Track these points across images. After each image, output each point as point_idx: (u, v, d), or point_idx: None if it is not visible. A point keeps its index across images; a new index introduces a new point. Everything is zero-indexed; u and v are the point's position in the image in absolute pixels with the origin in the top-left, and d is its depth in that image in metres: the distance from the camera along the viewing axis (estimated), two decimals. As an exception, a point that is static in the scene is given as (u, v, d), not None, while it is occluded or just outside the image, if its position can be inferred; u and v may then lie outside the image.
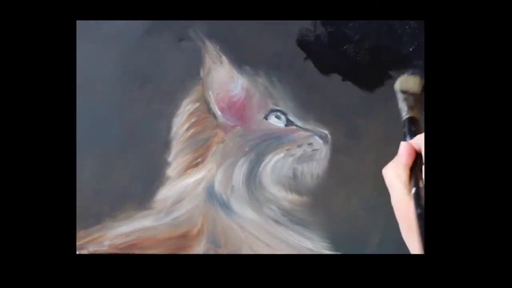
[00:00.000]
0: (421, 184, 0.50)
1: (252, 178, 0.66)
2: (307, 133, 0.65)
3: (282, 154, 0.65)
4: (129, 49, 0.66)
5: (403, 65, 0.63)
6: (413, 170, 0.52)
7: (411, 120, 0.59)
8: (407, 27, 0.62)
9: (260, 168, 0.65)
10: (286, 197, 0.66)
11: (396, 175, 0.53)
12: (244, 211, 0.66)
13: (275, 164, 0.65)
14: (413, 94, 0.60)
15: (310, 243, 0.65)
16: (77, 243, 0.66)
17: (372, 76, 0.63)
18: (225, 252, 0.65)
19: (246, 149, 0.66)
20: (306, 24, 0.64)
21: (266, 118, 0.65)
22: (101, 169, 0.67)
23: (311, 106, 0.64)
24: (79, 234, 0.66)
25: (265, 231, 0.65)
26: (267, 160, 0.65)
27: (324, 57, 0.64)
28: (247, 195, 0.66)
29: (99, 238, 0.66)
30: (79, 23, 0.62)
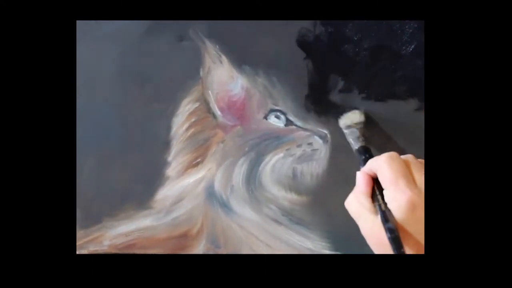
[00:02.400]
0: (384, 207, 0.51)
1: (252, 178, 0.66)
2: (307, 133, 0.65)
3: (281, 154, 0.65)
4: (129, 49, 0.66)
5: (403, 65, 0.63)
6: (374, 196, 0.53)
7: (362, 149, 0.60)
8: (407, 27, 0.62)
9: (260, 168, 0.66)
10: (286, 197, 0.66)
11: (360, 205, 0.54)
12: (244, 210, 0.66)
13: (274, 163, 0.65)
14: (356, 125, 0.62)
15: (310, 243, 0.65)
16: (77, 243, 0.66)
17: (372, 76, 0.63)
18: (225, 252, 0.65)
19: (246, 149, 0.66)
20: (306, 24, 0.64)
21: (265, 118, 0.65)
22: (101, 169, 0.67)
23: (310, 106, 0.64)
24: (79, 234, 0.66)
25: (265, 231, 0.65)
26: (266, 159, 0.65)
27: (324, 57, 0.64)
28: (247, 195, 0.66)
29: (99, 238, 0.66)
30: (79, 23, 0.62)
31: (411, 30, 0.62)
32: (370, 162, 0.55)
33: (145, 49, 0.66)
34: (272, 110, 0.65)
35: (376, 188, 0.54)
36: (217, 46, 0.65)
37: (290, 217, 0.66)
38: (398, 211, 0.49)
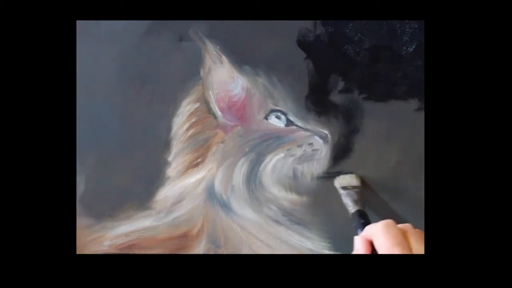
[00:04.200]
0: None
1: (252, 178, 0.66)
2: (307, 133, 0.65)
3: (282, 154, 0.65)
4: (129, 49, 0.66)
5: (403, 65, 0.63)
6: None
7: (359, 213, 0.61)
8: (407, 27, 0.62)
9: (260, 168, 0.66)
10: (286, 197, 0.66)
11: None
12: (244, 211, 0.66)
13: (275, 164, 0.65)
14: (353, 188, 0.63)
15: (310, 243, 0.65)
16: (77, 243, 0.66)
17: (372, 76, 0.63)
18: (225, 252, 0.65)
19: (246, 149, 0.66)
20: (306, 24, 0.64)
21: (266, 118, 0.65)
22: (101, 169, 0.67)
23: (311, 106, 0.64)
24: (79, 234, 0.66)
25: (265, 231, 0.66)
26: (267, 160, 0.65)
27: (324, 57, 0.64)
28: (247, 195, 0.66)
29: (99, 238, 0.66)
30: (79, 23, 0.62)
31: (411, 30, 0.62)
32: (367, 228, 0.55)
33: (145, 49, 0.66)
34: (272, 110, 0.65)
35: (374, 252, 0.53)
36: (218, 46, 0.65)
37: (291, 217, 0.66)
38: None
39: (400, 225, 0.54)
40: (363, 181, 0.64)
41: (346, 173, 0.65)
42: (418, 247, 0.51)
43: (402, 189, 0.65)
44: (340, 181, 0.64)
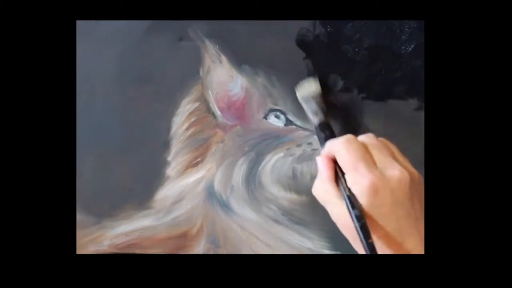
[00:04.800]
0: (348, 192, 0.50)
1: (251, 178, 0.66)
2: (307, 133, 0.65)
3: (281, 154, 0.65)
4: (129, 49, 0.66)
5: (403, 65, 0.63)
6: (338, 180, 0.53)
7: (322, 126, 0.59)
8: (406, 27, 0.62)
9: (260, 168, 0.65)
10: (286, 197, 0.66)
11: (325, 191, 0.53)
12: (244, 210, 0.66)
13: (274, 163, 0.65)
14: (314, 98, 0.62)
15: (310, 243, 0.65)
16: (77, 243, 0.66)
17: (372, 76, 0.63)
18: (224, 252, 0.65)
19: (246, 149, 0.66)
20: (306, 24, 0.64)
21: (265, 117, 0.65)
22: (101, 169, 0.67)
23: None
24: (79, 234, 0.66)
25: (264, 231, 0.65)
26: (266, 159, 0.65)
27: (324, 57, 0.64)
28: (246, 195, 0.66)
29: (99, 238, 0.66)
30: (79, 23, 0.62)
31: (410, 30, 0.62)
32: (328, 145, 0.55)
33: (145, 49, 0.66)
34: (271, 110, 0.65)
35: (338, 171, 0.53)
36: (217, 46, 0.65)
37: (290, 217, 0.66)
38: (361, 196, 0.49)
39: (361, 137, 0.54)
40: (323, 85, 0.63)
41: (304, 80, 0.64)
42: (381, 159, 0.51)
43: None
44: (301, 92, 0.63)
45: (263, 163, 0.65)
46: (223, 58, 0.65)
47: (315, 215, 0.65)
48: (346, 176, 0.51)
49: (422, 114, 0.62)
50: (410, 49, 0.63)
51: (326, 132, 0.59)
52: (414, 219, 0.49)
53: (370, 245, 0.48)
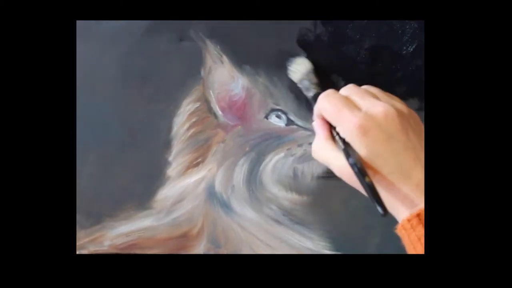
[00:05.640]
0: (342, 143, 0.51)
1: (252, 178, 0.66)
2: (308, 133, 0.65)
3: (282, 154, 0.65)
4: (129, 49, 0.66)
5: (403, 65, 0.63)
6: (333, 137, 0.54)
7: (315, 98, 0.59)
8: (407, 27, 0.62)
9: (261, 168, 0.65)
10: (287, 197, 0.66)
11: (324, 150, 0.54)
12: (245, 210, 0.66)
13: (275, 163, 0.65)
14: (306, 76, 0.62)
15: (310, 243, 0.65)
16: (77, 243, 0.66)
17: (372, 76, 0.63)
18: (225, 252, 0.65)
19: (247, 149, 0.66)
20: (307, 24, 0.64)
21: (266, 117, 0.65)
22: (101, 169, 0.67)
23: (311, 106, 0.64)
24: (79, 234, 0.66)
25: (265, 231, 0.65)
26: (267, 159, 0.65)
27: (325, 57, 0.64)
28: (247, 195, 0.66)
29: (99, 238, 0.66)
30: (79, 23, 0.62)
31: (411, 30, 0.62)
32: (315, 108, 0.56)
33: (145, 49, 0.66)
34: (273, 110, 0.65)
35: (332, 128, 0.54)
36: (218, 46, 0.65)
37: (291, 217, 0.66)
38: (353, 141, 0.50)
39: (341, 89, 0.55)
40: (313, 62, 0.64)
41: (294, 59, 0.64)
42: (363, 101, 0.52)
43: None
44: (294, 75, 0.64)
45: (264, 163, 0.65)
46: (224, 58, 0.65)
47: (316, 215, 0.65)
48: (337, 129, 0.52)
49: (422, 114, 0.62)
50: (411, 49, 0.63)
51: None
52: (413, 150, 0.49)
53: (368, 184, 0.48)
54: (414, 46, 0.62)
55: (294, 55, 0.64)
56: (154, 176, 0.67)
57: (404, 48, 0.63)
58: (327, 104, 0.53)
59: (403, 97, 0.62)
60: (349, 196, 0.64)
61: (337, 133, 0.52)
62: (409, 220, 0.48)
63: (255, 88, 0.65)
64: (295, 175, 0.66)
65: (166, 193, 0.67)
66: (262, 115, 0.65)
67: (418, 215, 0.48)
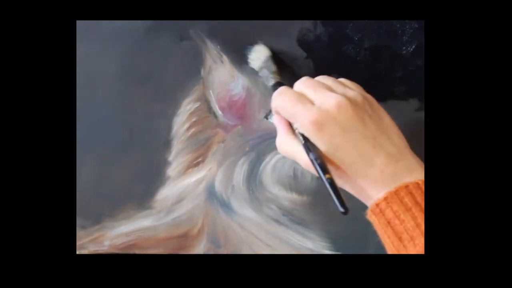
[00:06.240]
0: (302, 139, 0.51)
1: (252, 178, 0.66)
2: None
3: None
4: (129, 49, 0.66)
5: (403, 65, 0.63)
6: (293, 130, 0.54)
7: (274, 88, 0.59)
8: (407, 27, 0.62)
9: (261, 168, 0.66)
10: (287, 197, 0.66)
11: (287, 145, 0.55)
12: (245, 210, 0.66)
13: (275, 163, 0.65)
14: (267, 65, 0.62)
15: (310, 243, 0.65)
16: (77, 243, 0.66)
17: (372, 76, 0.63)
18: (225, 252, 0.65)
19: (247, 149, 0.66)
20: (307, 24, 0.64)
21: (266, 117, 0.65)
22: (101, 169, 0.67)
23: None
24: (79, 234, 0.66)
25: (265, 231, 0.65)
26: (267, 159, 0.65)
27: (324, 57, 0.64)
28: (247, 195, 0.66)
29: (99, 238, 0.66)
30: (79, 23, 0.62)
31: (411, 30, 0.62)
32: (271, 105, 0.56)
33: (145, 49, 0.66)
34: (273, 110, 0.65)
35: (291, 124, 0.54)
36: (218, 46, 0.65)
37: (291, 217, 0.66)
38: (310, 136, 0.50)
39: (295, 84, 0.55)
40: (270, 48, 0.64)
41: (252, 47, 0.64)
42: (315, 95, 0.52)
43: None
44: (254, 63, 0.64)
45: (264, 163, 0.65)
46: (225, 58, 0.65)
47: (316, 215, 0.65)
48: (294, 126, 0.53)
49: (422, 114, 0.62)
50: (411, 49, 0.63)
51: None
52: (372, 138, 0.50)
53: (329, 180, 0.48)
54: (414, 46, 0.62)
55: (253, 43, 0.64)
56: (154, 176, 0.67)
57: (404, 48, 0.63)
58: (281, 102, 0.53)
59: (403, 97, 0.62)
60: (349, 196, 0.64)
61: (296, 129, 0.53)
62: (377, 205, 0.49)
63: (255, 88, 0.65)
64: (295, 175, 0.66)
65: (166, 193, 0.67)
66: (262, 115, 0.65)
67: (385, 198, 0.48)
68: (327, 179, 0.48)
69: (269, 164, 0.65)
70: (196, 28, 0.65)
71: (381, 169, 0.49)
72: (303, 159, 0.52)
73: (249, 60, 0.64)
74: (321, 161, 0.49)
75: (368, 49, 0.63)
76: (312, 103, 0.52)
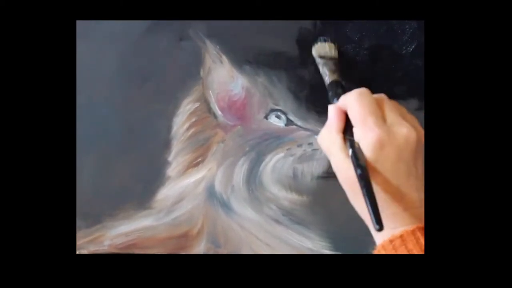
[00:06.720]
0: (356, 144, 0.50)
1: (252, 178, 0.66)
2: (307, 133, 0.65)
3: (282, 154, 0.65)
4: (129, 49, 0.66)
5: (403, 65, 0.63)
6: (346, 132, 0.53)
7: (335, 84, 0.58)
8: (407, 27, 0.62)
9: (260, 168, 0.65)
10: (286, 197, 0.66)
11: (331, 141, 0.53)
12: (244, 210, 0.66)
13: (275, 163, 0.65)
14: (331, 59, 0.61)
15: (310, 243, 0.65)
16: (77, 243, 0.66)
17: (372, 76, 0.63)
18: (225, 252, 0.65)
19: (246, 149, 0.66)
20: (306, 24, 0.64)
21: (266, 117, 0.65)
22: (101, 169, 0.67)
23: (311, 106, 0.64)
24: (79, 234, 0.66)
25: (265, 231, 0.65)
26: (267, 159, 0.65)
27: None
28: (247, 195, 0.66)
29: (99, 238, 0.66)
30: (79, 23, 0.62)
31: (411, 30, 0.62)
32: (342, 98, 0.55)
33: (145, 49, 0.66)
34: (272, 110, 0.65)
35: (348, 124, 0.53)
36: (218, 46, 0.65)
37: (291, 217, 0.66)
38: (367, 149, 0.49)
39: (375, 95, 0.53)
40: (340, 52, 0.63)
41: (324, 41, 0.63)
42: (391, 116, 0.51)
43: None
44: (318, 50, 0.62)
45: (263, 163, 0.65)
46: (224, 58, 0.65)
47: (316, 215, 0.65)
48: (355, 130, 0.51)
49: (422, 114, 0.62)
50: (411, 49, 0.63)
51: (339, 90, 0.58)
52: (415, 178, 0.50)
53: (370, 195, 0.48)
54: (414, 46, 0.62)
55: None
56: (154, 176, 0.66)
57: (404, 48, 0.63)
58: (357, 103, 0.52)
59: (403, 97, 0.62)
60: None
61: (352, 134, 0.52)
62: (391, 241, 0.49)
63: (254, 88, 0.65)
64: (295, 175, 0.66)
65: (166, 193, 0.66)
66: (262, 115, 0.65)
67: (401, 236, 0.48)
68: (369, 193, 0.48)
69: (269, 164, 0.65)
70: (195, 28, 0.65)
71: (405, 207, 0.49)
72: (338, 164, 0.52)
73: (313, 48, 0.63)
74: (366, 174, 0.48)
75: (368, 49, 0.63)
76: (384, 120, 0.51)
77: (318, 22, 0.64)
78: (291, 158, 0.65)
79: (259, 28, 0.64)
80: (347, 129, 0.53)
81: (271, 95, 0.65)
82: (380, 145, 0.49)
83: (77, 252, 0.66)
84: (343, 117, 0.54)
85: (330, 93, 0.58)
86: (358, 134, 0.51)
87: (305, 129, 0.65)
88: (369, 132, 0.50)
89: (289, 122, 0.65)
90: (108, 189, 0.66)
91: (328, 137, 0.54)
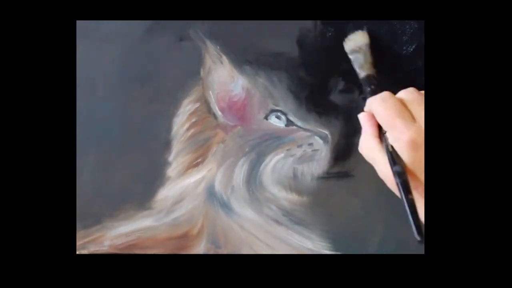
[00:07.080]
0: (390, 148, 0.50)
1: (252, 178, 0.66)
2: (307, 133, 0.65)
3: (282, 154, 0.65)
4: (129, 49, 0.66)
5: (403, 65, 0.63)
6: (381, 136, 0.52)
7: (367, 78, 0.58)
8: (407, 27, 0.62)
9: (261, 168, 0.65)
10: (287, 197, 0.66)
11: (369, 148, 0.53)
12: (245, 211, 0.66)
13: (275, 164, 0.65)
14: (361, 50, 0.60)
15: (310, 243, 0.65)
16: (77, 243, 0.66)
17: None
18: (225, 252, 0.65)
19: (247, 149, 0.66)
20: (306, 24, 0.64)
21: (266, 118, 0.65)
22: (101, 169, 0.67)
23: (311, 107, 0.64)
24: (79, 234, 0.66)
25: (265, 231, 0.65)
26: (267, 160, 0.65)
27: (324, 57, 0.64)
28: (247, 195, 0.66)
29: (99, 238, 0.66)
30: (79, 23, 0.62)
31: (411, 30, 0.62)
32: (368, 103, 0.55)
33: (145, 49, 0.66)
34: (272, 111, 0.65)
35: (381, 128, 0.53)
36: (218, 46, 0.65)
37: (291, 217, 0.66)
38: (402, 152, 0.49)
39: (400, 92, 0.53)
40: (372, 37, 0.62)
41: (354, 32, 0.62)
42: (419, 112, 0.51)
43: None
44: (349, 44, 0.62)
45: (263, 164, 0.65)
46: (224, 58, 0.65)
47: (316, 216, 0.65)
48: (387, 134, 0.51)
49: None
50: (411, 49, 0.63)
51: (371, 86, 0.58)
52: None
53: (410, 201, 0.47)
54: (414, 46, 0.62)
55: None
56: (154, 176, 0.66)
57: (404, 48, 0.63)
58: (381, 108, 0.52)
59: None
60: (349, 196, 0.64)
61: (386, 138, 0.51)
62: None
63: (254, 89, 0.65)
64: (295, 176, 0.66)
65: (166, 193, 0.66)
66: (262, 115, 0.65)
67: None
68: (409, 199, 0.47)
69: (269, 165, 0.65)
70: (195, 28, 0.65)
71: None
72: (382, 169, 0.52)
73: (345, 40, 0.62)
74: (405, 180, 0.48)
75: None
76: (413, 119, 0.51)
77: (318, 22, 0.64)
78: (291, 159, 0.65)
79: (260, 28, 0.64)
80: (381, 133, 0.53)
81: (271, 96, 0.65)
82: (415, 146, 0.49)
83: (77, 252, 0.66)
84: (374, 122, 0.53)
85: (363, 91, 0.59)
86: (391, 138, 0.51)
87: (305, 130, 0.65)
88: (401, 135, 0.49)
89: (289, 122, 0.65)
90: (108, 189, 0.66)
91: (365, 145, 0.54)
